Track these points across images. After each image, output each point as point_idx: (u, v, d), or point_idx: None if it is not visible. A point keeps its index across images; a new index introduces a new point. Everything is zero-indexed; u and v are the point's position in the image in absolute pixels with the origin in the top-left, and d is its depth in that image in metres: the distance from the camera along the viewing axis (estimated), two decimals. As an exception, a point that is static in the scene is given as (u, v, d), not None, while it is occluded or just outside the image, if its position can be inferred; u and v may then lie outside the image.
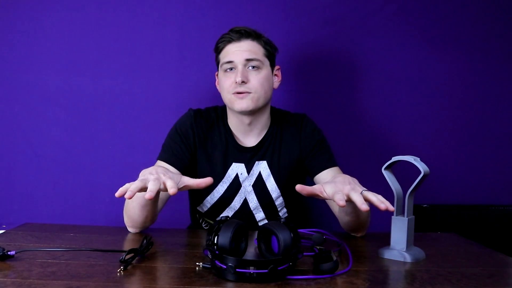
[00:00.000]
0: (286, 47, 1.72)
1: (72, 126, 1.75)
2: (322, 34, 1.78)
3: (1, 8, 1.72)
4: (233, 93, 1.28)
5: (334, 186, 1.02)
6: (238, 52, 1.28)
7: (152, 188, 0.92)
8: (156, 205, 1.20)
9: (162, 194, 1.21)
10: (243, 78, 1.26)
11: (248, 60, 1.28)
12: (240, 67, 1.27)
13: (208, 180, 1.02)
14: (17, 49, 1.73)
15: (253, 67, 1.29)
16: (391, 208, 0.96)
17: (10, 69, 1.73)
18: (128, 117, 1.76)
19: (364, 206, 0.93)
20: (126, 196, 0.91)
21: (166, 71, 1.76)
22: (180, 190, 1.01)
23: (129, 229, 1.25)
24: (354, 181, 1.05)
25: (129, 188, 0.92)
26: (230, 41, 1.30)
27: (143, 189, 0.94)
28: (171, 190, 0.93)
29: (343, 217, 1.21)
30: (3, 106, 1.74)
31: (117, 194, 0.92)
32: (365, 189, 1.01)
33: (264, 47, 1.32)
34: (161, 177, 0.96)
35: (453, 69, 1.82)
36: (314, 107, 1.78)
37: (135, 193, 0.92)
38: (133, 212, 1.19)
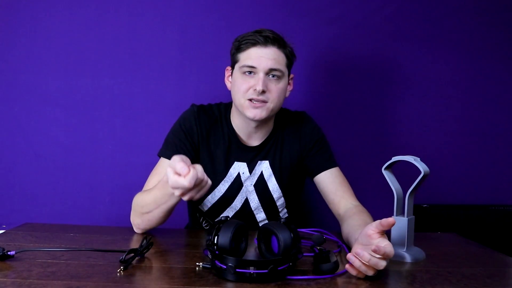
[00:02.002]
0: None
1: (72, 126, 1.75)
2: (322, 34, 1.78)
3: (1, 8, 1.72)
4: (248, 99, 1.24)
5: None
6: (263, 59, 1.23)
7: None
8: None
9: None
10: (264, 87, 1.22)
11: (271, 69, 1.24)
12: (261, 75, 1.23)
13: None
14: (17, 49, 1.73)
15: (273, 76, 1.25)
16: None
17: (10, 69, 1.73)
18: (128, 117, 1.76)
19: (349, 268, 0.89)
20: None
21: (166, 71, 1.76)
22: None
23: (137, 230, 1.23)
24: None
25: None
26: (255, 44, 1.24)
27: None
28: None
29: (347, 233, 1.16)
30: (3, 106, 1.74)
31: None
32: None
33: (287, 57, 1.28)
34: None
35: (453, 69, 1.82)
36: (314, 107, 1.77)
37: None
38: (157, 215, 1.15)
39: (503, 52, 1.82)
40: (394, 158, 1.06)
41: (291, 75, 1.34)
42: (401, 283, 0.93)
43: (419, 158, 1.04)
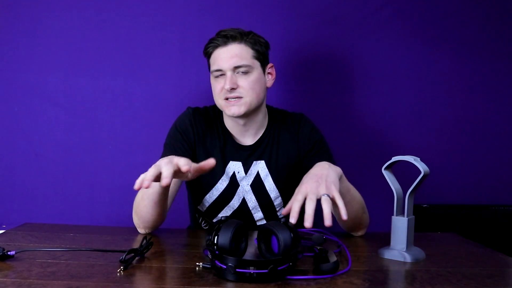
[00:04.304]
0: (285, 47, 1.72)
1: (72, 126, 1.75)
2: (322, 34, 1.78)
3: (2, 8, 1.72)
4: (224, 99, 1.29)
5: (299, 187, 1.03)
6: (226, 58, 1.26)
7: (166, 173, 0.92)
8: (167, 201, 1.20)
9: (170, 190, 1.21)
10: (231, 85, 1.26)
11: (236, 67, 1.27)
12: (228, 73, 1.26)
13: (211, 161, 1.01)
14: (17, 49, 1.73)
15: (242, 71, 1.27)
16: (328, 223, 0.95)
17: (10, 69, 1.73)
18: (128, 117, 1.76)
19: (306, 224, 0.94)
20: (144, 185, 0.91)
21: (166, 71, 1.76)
22: (191, 176, 1.00)
23: (140, 230, 1.24)
24: (325, 178, 1.04)
25: (144, 178, 0.92)
26: (216, 46, 1.28)
27: (158, 177, 0.94)
28: (184, 167, 0.94)
29: (339, 217, 1.20)
30: (3, 106, 1.74)
31: (136, 187, 0.92)
32: (328, 193, 1.00)
33: (253, 48, 1.29)
34: (173, 160, 0.97)
35: (453, 69, 1.82)
36: (313, 107, 1.77)
37: (151, 181, 0.92)
38: (145, 211, 1.18)
39: (504, 52, 1.82)
40: (394, 158, 1.06)
41: (270, 64, 1.36)
42: (401, 283, 0.93)
43: (419, 158, 1.04)
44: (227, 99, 1.28)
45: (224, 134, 1.37)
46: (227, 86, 1.25)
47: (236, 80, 1.27)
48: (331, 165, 1.12)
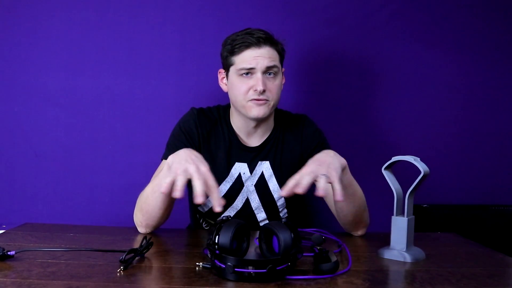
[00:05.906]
0: (286, 47, 1.71)
1: (72, 126, 1.75)
2: (322, 34, 1.78)
3: (1, 8, 1.72)
4: (250, 100, 1.27)
5: (300, 170, 1.05)
6: (260, 59, 1.26)
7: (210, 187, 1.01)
8: None
9: None
10: (264, 86, 1.25)
11: (268, 67, 1.27)
12: (259, 75, 1.26)
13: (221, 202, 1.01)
14: (17, 49, 1.73)
15: (270, 73, 1.28)
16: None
17: (10, 69, 1.73)
18: (128, 117, 1.75)
19: (298, 189, 0.99)
20: (178, 195, 0.97)
21: (166, 71, 1.76)
22: None
23: (141, 230, 1.22)
24: (327, 163, 1.04)
25: (177, 188, 0.98)
26: (249, 46, 1.26)
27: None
28: (218, 207, 0.97)
29: (339, 211, 1.21)
30: (3, 106, 1.74)
31: (163, 190, 0.99)
32: (330, 177, 1.00)
33: (279, 53, 1.31)
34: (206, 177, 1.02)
35: (453, 69, 1.82)
36: (314, 107, 1.78)
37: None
38: (153, 205, 1.15)
39: (504, 52, 1.82)
40: (394, 158, 1.06)
41: (283, 69, 1.37)
42: (401, 283, 0.93)
43: (419, 158, 1.04)
44: (253, 100, 1.27)
45: (229, 135, 1.36)
46: (260, 88, 1.25)
47: (266, 82, 1.27)
48: (337, 154, 1.10)
